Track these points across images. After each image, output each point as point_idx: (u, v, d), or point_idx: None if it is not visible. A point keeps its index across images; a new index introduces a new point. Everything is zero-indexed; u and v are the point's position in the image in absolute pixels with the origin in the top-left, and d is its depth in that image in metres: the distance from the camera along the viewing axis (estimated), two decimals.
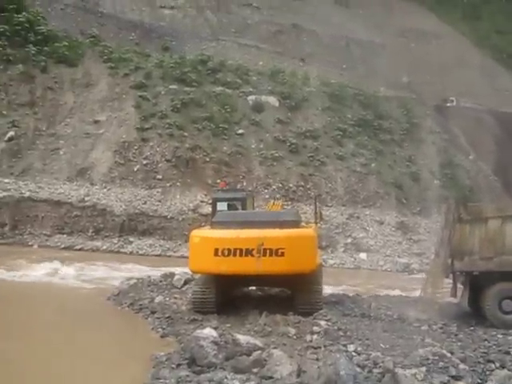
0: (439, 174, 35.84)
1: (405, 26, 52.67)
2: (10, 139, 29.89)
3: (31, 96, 32.03)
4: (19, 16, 33.64)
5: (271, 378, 8.29)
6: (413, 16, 54.62)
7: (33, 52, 32.95)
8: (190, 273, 15.04)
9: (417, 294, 14.41)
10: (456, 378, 7.90)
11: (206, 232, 13.17)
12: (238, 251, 11.90)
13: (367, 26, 50.68)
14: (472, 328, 12.11)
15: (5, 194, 27.34)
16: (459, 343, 10.62)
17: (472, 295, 13.15)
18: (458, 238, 12.94)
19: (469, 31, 56.98)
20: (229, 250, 11.92)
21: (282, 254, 11.79)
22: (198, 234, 12.90)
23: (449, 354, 8.58)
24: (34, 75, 32.67)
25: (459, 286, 13.31)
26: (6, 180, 28.25)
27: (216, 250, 11.97)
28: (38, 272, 19.21)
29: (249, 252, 11.86)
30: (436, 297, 13.50)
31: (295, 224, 12.72)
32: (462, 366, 8.25)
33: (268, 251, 11.82)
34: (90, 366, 9.49)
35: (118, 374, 9.03)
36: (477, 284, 12.98)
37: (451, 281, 13.37)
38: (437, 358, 8.33)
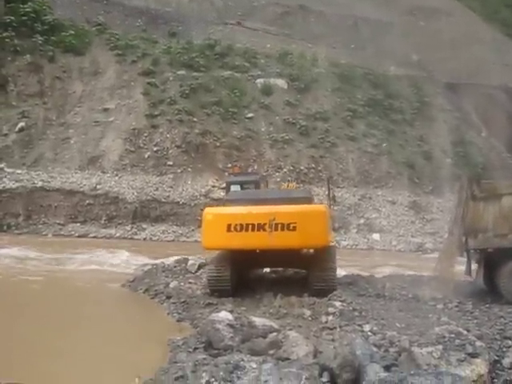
0: (451, 153, 35.49)
1: (413, 4, 51.82)
2: (21, 130, 30.09)
3: (40, 86, 32.15)
4: (25, 6, 33.64)
5: (288, 359, 8.31)
6: None
7: (40, 42, 33.01)
8: (204, 258, 15.15)
9: (431, 273, 14.35)
10: (473, 355, 7.85)
11: (219, 209, 13.37)
12: (250, 226, 11.97)
13: (375, 5, 49.93)
14: (488, 305, 12.02)
15: (18, 184, 27.59)
16: (475, 321, 10.57)
17: (487, 273, 13.06)
18: (472, 215, 12.82)
19: (478, 6, 56.04)
20: (241, 225, 11.99)
21: (294, 229, 11.84)
22: (210, 211, 13.00)
23: (465, 332, 8.54)
24: (42, 65, 32.76)
25: (473, 263, 13.26)
26: (19, 171, 28.47)
27: (229, 226, 12.04)
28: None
29: (261, 227, 11.92)
30: (450, 275, 13.45)
31: (307, 201, 12.82)
32: (478, 343, 8.19)
33: (280, 226, 11.87)
34: (107, 351, 9.57)
35: (135, 359, 9.09)
36: (491, 261, 12.89)
37: (465, 259, 13.32)
38: (453, 335, 8.28)
